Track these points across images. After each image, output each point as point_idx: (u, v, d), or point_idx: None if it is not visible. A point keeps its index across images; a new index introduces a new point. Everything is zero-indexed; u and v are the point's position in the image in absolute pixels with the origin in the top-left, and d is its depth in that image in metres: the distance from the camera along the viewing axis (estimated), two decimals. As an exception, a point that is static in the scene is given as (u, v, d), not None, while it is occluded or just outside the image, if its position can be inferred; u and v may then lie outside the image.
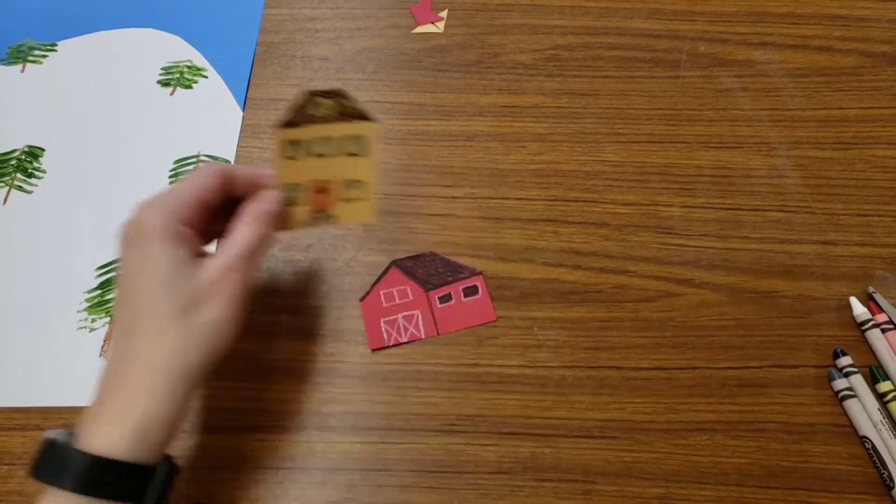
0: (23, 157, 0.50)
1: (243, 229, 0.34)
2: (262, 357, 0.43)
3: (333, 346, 0.43)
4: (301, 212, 0.38)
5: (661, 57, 0.54)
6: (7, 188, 0.49)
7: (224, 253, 0.34)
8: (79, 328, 0.44)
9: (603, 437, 0.40)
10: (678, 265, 0.46)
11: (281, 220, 0.38)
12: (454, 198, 0.48)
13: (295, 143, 0.38)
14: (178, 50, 0.56)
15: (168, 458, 0.32)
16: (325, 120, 0.38)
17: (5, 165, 0.50)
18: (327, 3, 0.58)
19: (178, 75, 0.54)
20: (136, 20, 0.56)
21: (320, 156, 0.38)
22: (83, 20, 0.56)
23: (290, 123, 0.37)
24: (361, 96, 0.52)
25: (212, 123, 0.52)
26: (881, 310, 0.43)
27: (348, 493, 0.39)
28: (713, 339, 0.43)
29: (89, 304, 0.44)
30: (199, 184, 0.34)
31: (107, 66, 0.54)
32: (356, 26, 0.56)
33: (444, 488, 0.39)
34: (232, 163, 0.49)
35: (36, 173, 0.49)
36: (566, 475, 0.39)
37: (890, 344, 0.42)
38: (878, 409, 0.40)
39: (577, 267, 0.46)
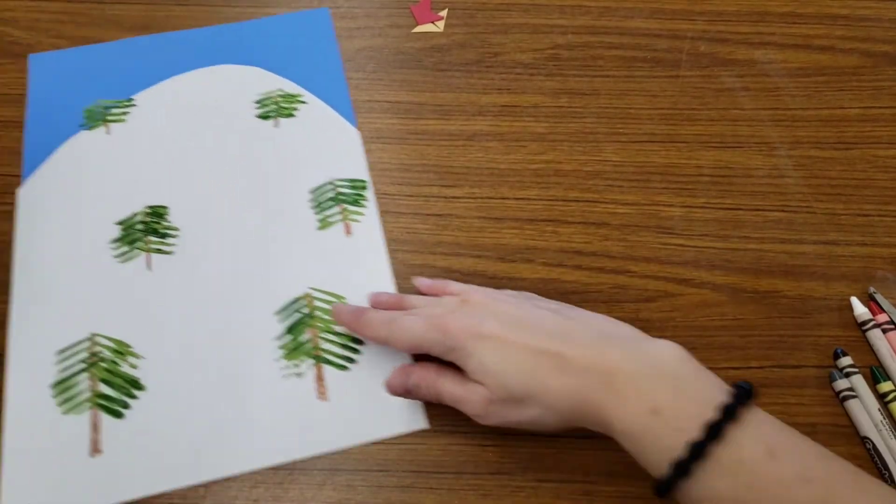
0: (147, 218, 0.47)
1: None
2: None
3: (333, 346, 0.43)
4: None
5: (662, 56, 0.54)
6: (145, 253, 0.46)
7: None
8: (284, 376, 0.41)
9: (604, 438, 0.40)
10: (678, 265, 0.45)
11: None
12: (454, 197, 0.48)
13: None
14: (263, 81, 0.53)
15: None
16: None
17: (132, 231, 0.46)
18: (327, 3, 0.57)
19: (274, 106, 0.51)
20: (207, 59, 0.54)
21: None
22: (152, 69, 0.53)
23: None
24: (361, 96, 0.53)
25: (330, 146, 0.49)
26: (882, 310, 0.43)
27: (348, 493, 0.39)
28: (714, 340, 0.43)
29: (286, 352, 0.42)
30: None
31: (196, 109, 0.51)
32: (356, 25, 0.56)
33: (445, 489, 0.39)
34: (368, 181, 0.48)
35: (169, 232, 0.46)
36: (567, 475, 0.39)
37: (891, 344, 0.42)
38: (879, 410, 0.40)
39: (578, 267, 0.46)
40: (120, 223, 0.47)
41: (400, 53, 0.55)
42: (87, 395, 0.40)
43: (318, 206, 0.47)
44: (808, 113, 0.52)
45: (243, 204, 0.47)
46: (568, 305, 0.39)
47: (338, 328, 0.42)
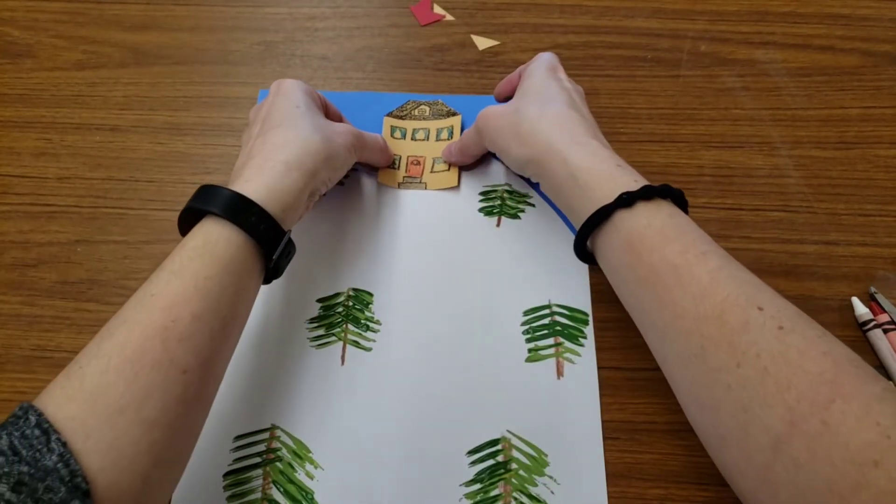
0: (350, 302, 0.43)
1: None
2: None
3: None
4: (399, 174, 0.48)
5: (662, 56, 0.54)
6: (341, 343, 0.42)
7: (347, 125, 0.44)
8: None
9: (604, 438, 0.40)
10: (679, 265, 0.45)
11: (385, 176, 0.48)
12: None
13: (399, 128, 0.50)
14: (493, 172, 0.48)
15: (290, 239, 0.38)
16: (423, 118, 0.51)
17: (332, 313, 0.43)
18: (327, 2, 0.57)
19: (499, 202, 0.47)
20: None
21: (418, 140, 0.50)
22: (378, 127, 0.50)
23: (395, 116, 0.51)
24: (361, 95, 0.52)
25: (553, 263, 0.43)
26: (883, 310, 0.43)
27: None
28: (714, 340, 0.43)
29: (472, 502, 0.38)
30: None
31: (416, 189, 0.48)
32: (356, 25, 0.56)
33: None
34: (590, 316, 0.43)
35: (371, 325, 0.42)
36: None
37: (892, 344, 0.41)
38: (880, 410, 0.39)
39: (578, 267, 0.45)
40: (321, 301, 0.44)
41: (400, 53, 0.55)
42: (258, 496, 0.38)
43: (530, 333, 0.42)
44: (809, 113, 0.51)
45: (453, 311, 0.43)
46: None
47: (533, 491, 0.38)
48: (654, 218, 0.34)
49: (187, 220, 0.36)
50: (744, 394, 0.29)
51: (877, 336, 0.42)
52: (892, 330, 0.42)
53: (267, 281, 0.38)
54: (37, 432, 0.27)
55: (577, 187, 0.37)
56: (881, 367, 0.41)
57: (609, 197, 0.35)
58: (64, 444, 0.27)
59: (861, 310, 0.43)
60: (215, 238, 0.34)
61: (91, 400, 0.29)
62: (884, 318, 0.43)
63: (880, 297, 0.43)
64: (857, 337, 0.43)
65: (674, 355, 0.33)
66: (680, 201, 0.36)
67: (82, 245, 0.47)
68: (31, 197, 0.49)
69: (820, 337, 0.29)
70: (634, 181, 0.35)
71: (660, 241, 0.33)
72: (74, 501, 0.26)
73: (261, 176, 0.36)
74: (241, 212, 0.34)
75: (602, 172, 0.36)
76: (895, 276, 0.45)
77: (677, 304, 0.32)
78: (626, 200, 0.34)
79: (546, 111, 0.40)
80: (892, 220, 0.47)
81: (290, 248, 0.38)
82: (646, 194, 0.34)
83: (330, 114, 0.46)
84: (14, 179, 0.50)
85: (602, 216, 0.35)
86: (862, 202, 0.48)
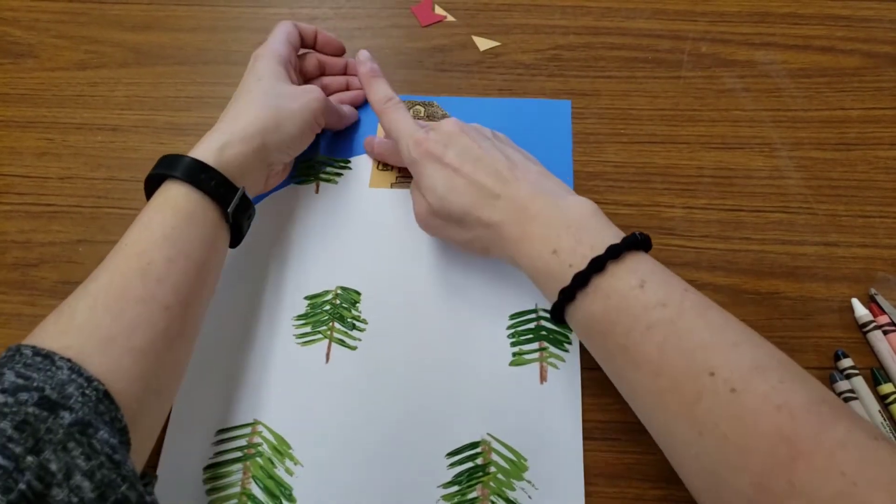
0: (337, 300, 0.43)
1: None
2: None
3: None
4: (391, 175, 0.49)
5: (663, 57, 0.54)
6: (326, 341, 0.42)
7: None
8: None
9: (604, 439, 0.40)
10: (679, 266, 0.45)
11: (376, 180, 0.48)
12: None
13: None
14: None
15: (247, 198, 0.40)
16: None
17: (318, 311, 0.43)
18: (328, 3, 0.57)
19: None
20: None
21: None
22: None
23: None
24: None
25: None
26: (883, 311, 0.43)
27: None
28: (714, 341, 0.43)
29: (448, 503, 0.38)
30: (292, 37, 0.47)
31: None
32: (357, 26, 0.56)
33: (445, 489, 0.39)
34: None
35: (357, 324, 0.42)
36: (567, 477, 0.39)
37: (891, 346, 0.42)
38: (880, 412, 0.40)
39: (578, 268, 0.45)
40: (308, 298, 0.44)
41: (401, 54, 0.55)
42: (237, 490, 0.38)
43: (516, 337, 0.42)
44: (810, 114, 0.52)
45: (440, 312, 0.43)
46: (521, 151, 0.42)
47: (511, 495, 0.38)
48: (595, 305, 0.33)
49: (152, 187, 0.39)
50: (709, 461, 0.29)
51: (877, 338, 0.42)
52: (893, 331, 0.42)
53: (233, 244, 0.41)
54: (38, 359, 0.29)
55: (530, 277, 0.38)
56: (881, 369, 0.41)
57: (553, 294, 0.35)
58: (69, 360, 0.29)
59: (861, 311, 0.43)
60: (174, 195, 0.37)
61: (83, 332, 0.31)
62: (884, 319, 0.43)
63: (880, 299, 0.43)
64: (857, 338, 0.43)
65: (646, 424, 0.34)
66: (645, 245, 0.35)
67: (84, 245, 0.47)
68: (33, 197, 0.49)
69: (774, 388, 0.28)
70: (569, 266, 0.34)
71: (606, 327, 0.33)
72: (101, 405, 0.28)
73: (211, 143, 0.39)
74: (193, 172, 0.37)
75: (539, 270, 0.36)
76: (895, 278, 0.45)
77: (636, 382, 0.33)
78: (566, 298, 0.34)
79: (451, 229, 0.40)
80: (892, 222, 0.47)
81: (246, 206, 0.40)
82: (581, 282, 0.34)
83: (306, 69, 0.50)
84: (16, 179, 0.50)
85: (558, 313, 0.36)
86: (862, 203, 0.48)
